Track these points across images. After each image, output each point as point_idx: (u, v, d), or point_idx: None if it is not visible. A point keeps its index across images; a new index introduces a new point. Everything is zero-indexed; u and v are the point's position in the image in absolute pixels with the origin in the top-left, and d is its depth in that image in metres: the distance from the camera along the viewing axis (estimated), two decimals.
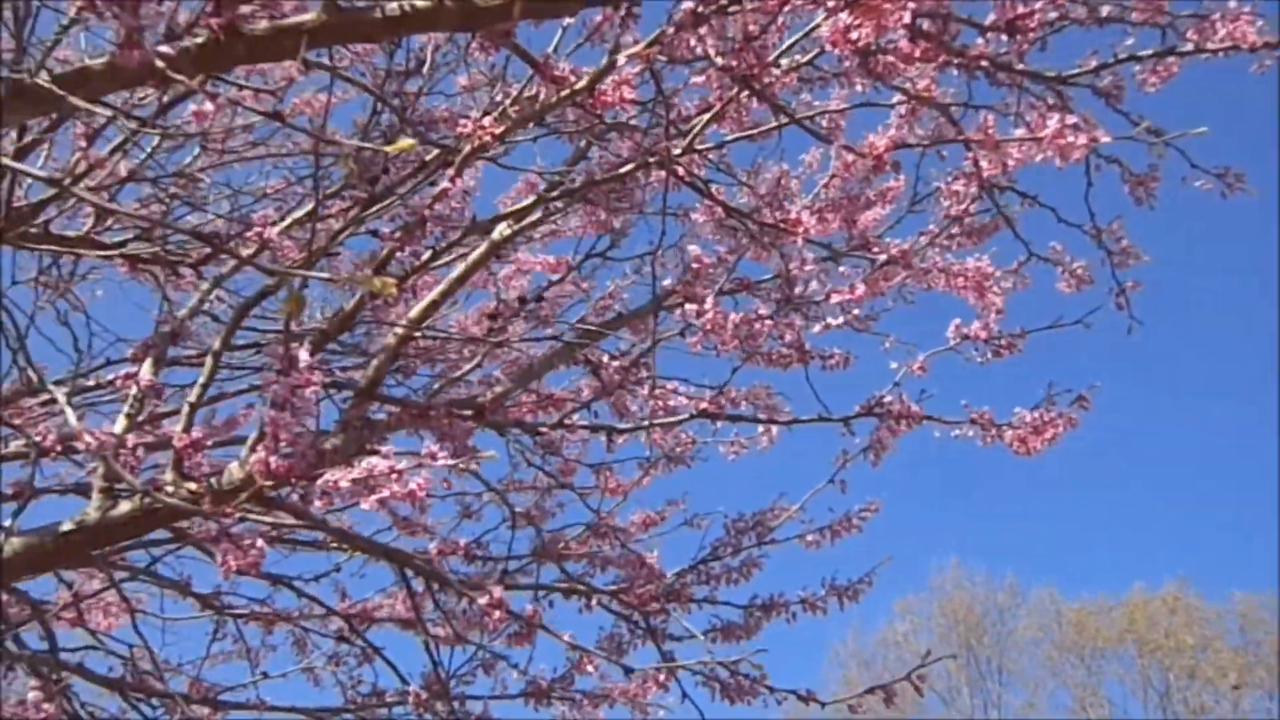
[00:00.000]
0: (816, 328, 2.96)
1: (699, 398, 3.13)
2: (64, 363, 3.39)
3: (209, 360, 2.56)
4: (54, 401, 3.00)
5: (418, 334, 3.30)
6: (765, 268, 3.25)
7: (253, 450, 2.34)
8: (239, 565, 1.90)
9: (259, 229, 2.07)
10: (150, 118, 2.94)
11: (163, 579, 3.13)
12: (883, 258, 2.95)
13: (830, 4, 1.86)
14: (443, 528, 3.63)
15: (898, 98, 2.43)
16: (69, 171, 2.79)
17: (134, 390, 2.47)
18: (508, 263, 3.71)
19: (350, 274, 3.14)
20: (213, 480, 2.27)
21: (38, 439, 2.29)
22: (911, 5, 1.83)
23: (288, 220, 3.08)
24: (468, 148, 2.23)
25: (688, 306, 2.62)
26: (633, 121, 2.70)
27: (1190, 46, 2.13)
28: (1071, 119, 1.90)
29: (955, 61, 2.04)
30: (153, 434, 2.96)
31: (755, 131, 2.52)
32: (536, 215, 3.24)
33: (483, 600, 2.18)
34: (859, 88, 2.29)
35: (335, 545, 3.32)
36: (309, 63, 2.09)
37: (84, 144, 2.82)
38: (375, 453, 1.91)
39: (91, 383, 3.47)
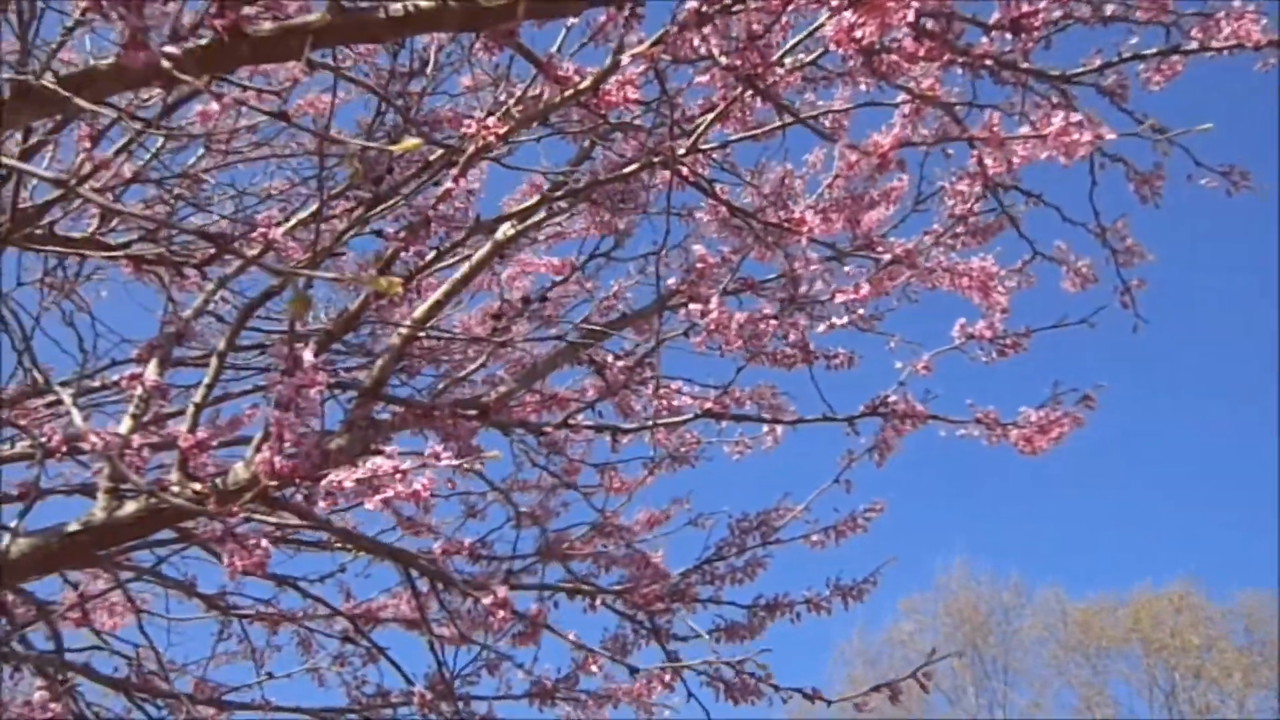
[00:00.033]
0: (821, 327, 2.96)
1: (703, 397, 3.13)
2: (69, 364, 3.40)
3: (214, 361, 2.56)
4: (59, 402, 3.00)
5: (422, 334, 3.30)
6: (769, 268, 3.25)
7: (258, 450, 2.34)
8: (244, 565, 1.90)
9: (263, 229, 2.07)
10: (155, 119, 2.95)
11: (168, 579, 3.14)
12: (887, 257, 2.95)
13: (834, 3, 1.86)
14: (447, 527, 3.64)
15: (902, 97, 2.43)
16: (74, 173, 2.80)
17: (139, 391, 2.47)
18: (511, 263, 3.71)
19: (355, 274, 3.15)
20: (218, 480, 2.28)
21: (43, 440, 2.30)
22: (915, 4, 1.83)
23: (292, 221, 3.09)
24: (472, 148, 2.23)
25: (692, 306, 2.62)
26: (637, 121, 2.70)
27: (1195, 45, 2.13)
28: (1076, 116, 1.89)
29: (959, 60, 2.04)
30: (158, 434, 2.97)
31: (759, 131, 2.52)
32: (540, 215, 3.24)
33: (487, 600, 2.18)
34: (863, 87, 2.29)
35: (340, 545, 3.32)
36: (313, 63, 2.09)
37: (89, 145, 2.83)
38: (380, 453, 1.91)
39: (97, 383, 3.48)
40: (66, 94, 1.75)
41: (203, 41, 1.82)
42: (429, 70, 3.24)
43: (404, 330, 3.03)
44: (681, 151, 2.41)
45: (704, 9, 2.01)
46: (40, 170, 2.59)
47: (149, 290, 3.51)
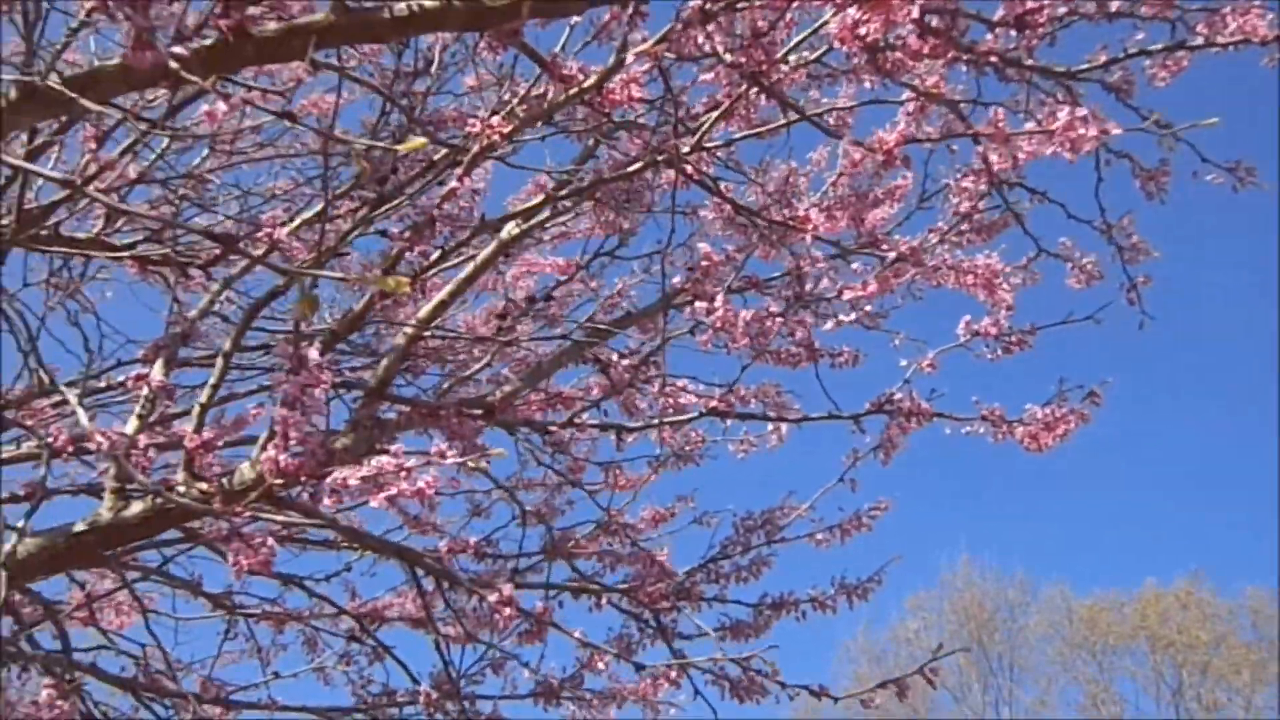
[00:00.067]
0: (828, 325, 2.96)
1: (708, 396, 3.13)
2: (75, 364, 3.41)
3: (220, 361, 2.57)
4: (65, 402, 3.01)
5: (427, 334, 3.31)
6: (773, 266, 3.25)
7: (263, 450, 2.34)
8: (250, 564, 1.90)
9: (269, 230, 2.08)
10: (160, 119, 2.95)
11: (174, 579, 3.15)
12: (892, 255, 2.95)
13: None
14: (452, 526, 3.65)
15: (906, 94, 2.43)
16: (80, 173, 2.80)
17: (145, 391, 2.48)
18: (516, 262, 3.71)
19: (362, 274, 3.15)
20: (224, 480, 2.28)
21: (49, 440, 2.30)
22: (920, 1, 1.83)
23: (297, 221, 3.09)
24: (476, 147, 2.23)
25: (698, 304, 2.62)
26: (641, 120, 2.70)
27: (1200, 40, 2.12)
28: (1082, 111, 1.89)
29: (964, 57, 2.04)
30: (164, 435, 2.97)
31: (764, 129, 2.52)
32: (545, 214, 3.24)
33: (493, 597, 2.18)
34: (867, 84, 2.29)
35: (346, 544, 3.33)
36: (317, 63, 2.09)
37: (94, 146, 2.83)
38: (385, 452, 1.91)
39: (103, 384, 3.49)
40: (72, 95, 1.75)
41: (207, 42, 1.83)
42: (433, 70, 3.24)
43: (409, 330, 3.03)
44: (686, 150, 2.41)
45: (708, 6, 2.01)
46: (47, 171, 2.60)
47: (154, 291, 3.52)
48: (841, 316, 2.95)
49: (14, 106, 1.82)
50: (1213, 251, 27.90)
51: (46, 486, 2.25)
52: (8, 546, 2.12)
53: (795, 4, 2.02)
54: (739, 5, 2.03)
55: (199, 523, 2.47)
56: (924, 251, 2.95)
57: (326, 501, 1.94)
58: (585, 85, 2.20)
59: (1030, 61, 2.10)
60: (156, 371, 2.57)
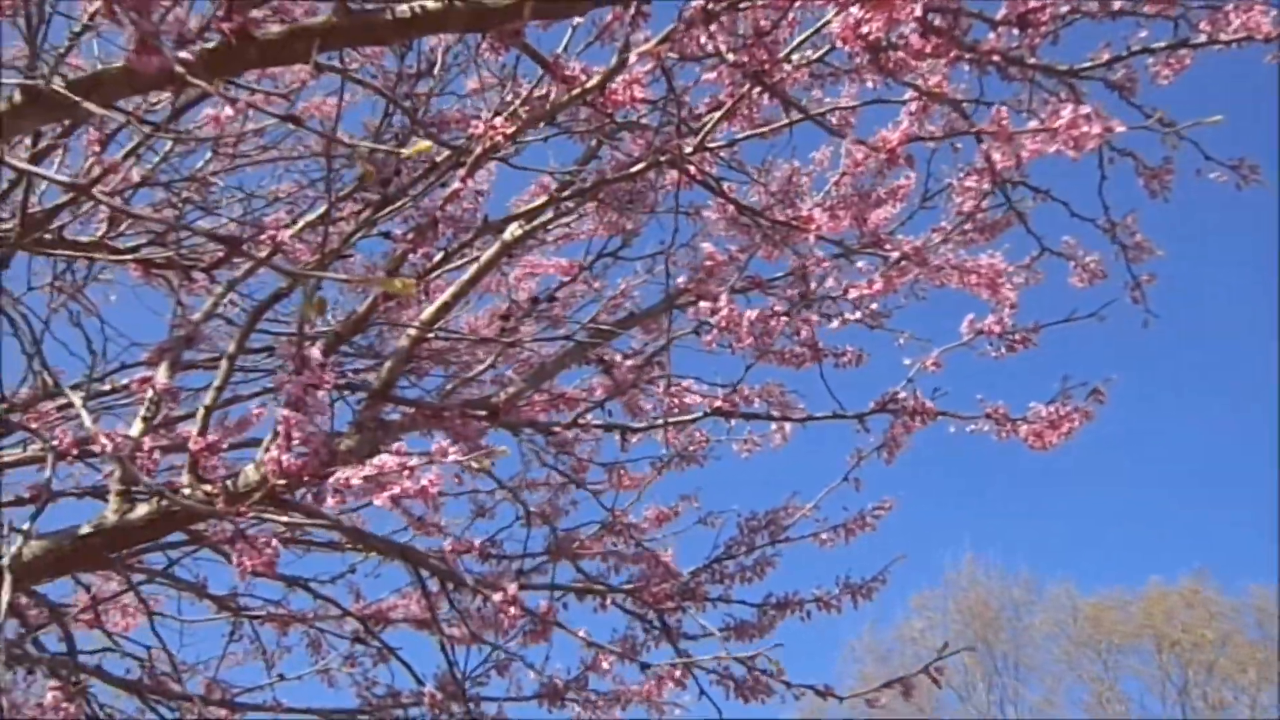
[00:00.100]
0: (834, 323, 2.96)
1: (712, 396, 3.13)
2: (79, 367, 3.42)
3: (224, 363, 2.57)
4: (70, 405, 3.02)
5: (430, 335, 3.31)
6: (777, 266, 3.25)
7: (267, 451, 2.35)
8: (254, 565, 1.91)
9: (272, 232, 2.08)
10: (163, 123, 2.96)
11: (179, 581, 3.15)
12: (895, 255, 2.94)
13: None
14: (456, 527, 3.65)
15: (909, 94, 2.43)
16: (84, 176, 2.81)
17: (150, 394, 2.48)
18: (519, 264, 3.72)
19: (367, 276, 3.15)
20: (228, 482, 2.28)
21: (54, 443, 2.30)
22: None
23: (300, 223, 3.09)
24: (479, 148, 2.23)
25: (702, 304, 2.62)
26: (644, 120, 2.70)
27: (1203, 38, 2.12)
28: (1085, 109, 1.89)
29: (966, 56, 2.04)
30: (169, 437, 2.98)
31: (766, 129, 2.51)
32: (548, 215, 3.24)
33: (497, 597, 2.18)
34: (870, 84, 2.29)
35: (350, 546, 3.33)
36: (320, 66, 2.09)
37: (98, 149, 2.84)
38: (388, 452, 1.91)
39: (107, 387, 3.50)
40: (75, 99, 1.75)
41: (210, 45, 1.83)
42: (436, 71, 3.24)
43: (412, 332, 3.04)
44: (689, 150, 2.41)
45: (710, 6, 2.01)
46: (51, 174, 2.60)
47: (158, 294, 3.52)
48: (846, 315, 2.95)
49: (18, 110, 1.82)
50: (1216, 249, 27.86)
51: (51, 489, 2.25)
52: (13, 549, 2.13)
53: (798, 3, 2.02)
54: (741, 5, 2.03)
55: (204, 525, 2.48)
56: (927, 251, 2.95)
57: (330, 501, 1.94)
58: (588, 86, 2.20)
59: (1033, 60, 2.10)
60: (161, 374, 2.57)
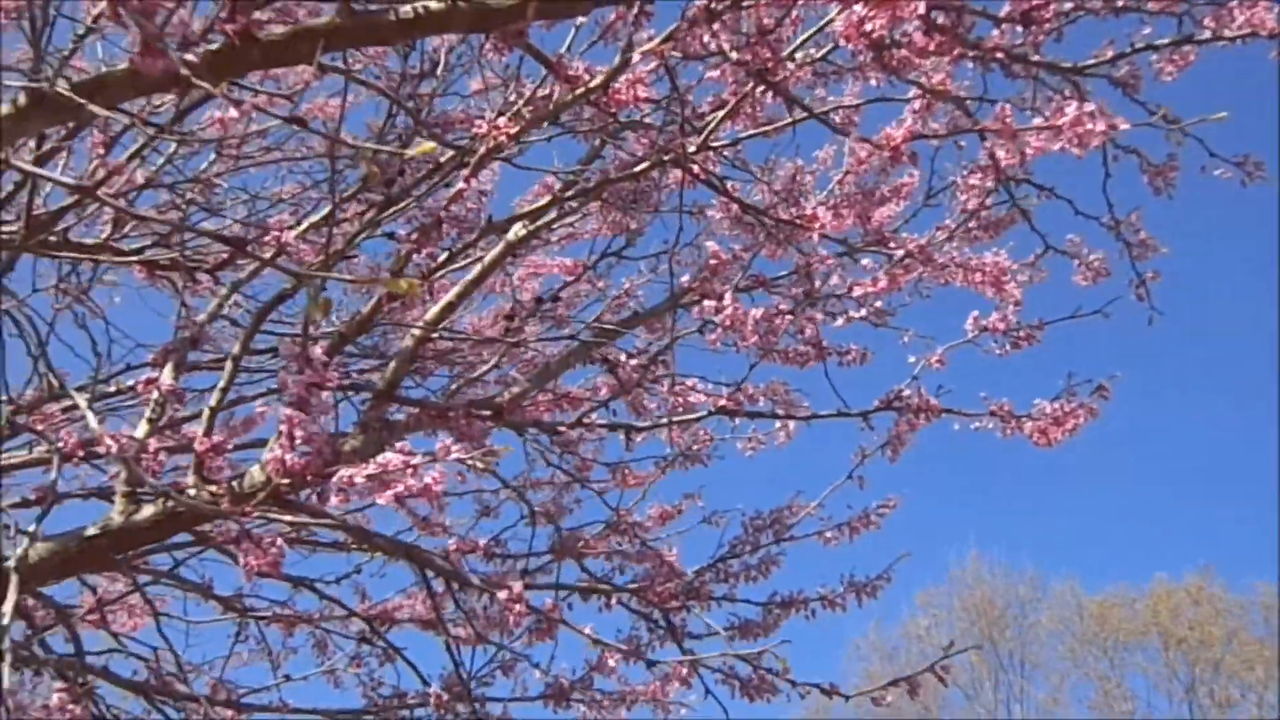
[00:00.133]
0: (838, 322, 2.96)
1: (716, 395, 3.13)
2: (84, 369, 3.42)
3: (229, 364, 2.57)
4: (75, 407, 3.02)
5: (435, 336, 3.31)
6: (781, 264, 3.25)
7: (271, 451, 2.35)
8: (259, 565, 1.91)
9: (276, 233, 2.08)
10: (168, 124, 2.96)
11: (185, 582, 3.15)
12: (900, 253, 2.94)
13: None
14: (461, 527, 3.65)
15: (913, 92, 2.42)
16: (88, 178, 2.81)
17: (155, 395, 2.48)
18: (523, 263, 3.72)
19: (373, 276, 3.16)
20: (234, 483, 2.29)
21: (60, 444, 2.31)
22: None
23: (305, 224, 3.10)
24: (483, 148, 2.23)
25: (706, 303, 2.62)
26: (647, 119, 2.70)
27: (1208, 34, 2.11)
28: (1090, 106, 1.88)
29: (970, 54, 2.03)
30: (174, 438, 2.98)
31: (770, 128, 2.52)
32: (552, 215, 3.24)
33: (502, 595, 2.18)
34: (873, 82, 2.29)
35: (355, 546, 3.33)
36: (324, 67, 2.10)
37: (102, 151, 2.84)
38: (392, 451, 1.91)
39: (112, 388, 3.50)
40: (80, 101, 1.76)
41: (214, 47, 1.83)
42: (439, 72, 3.24)
43: (417, 332, 3.04)
44: (692, 149, 2.41)
45: (713, 5, 2.01)
46: (56, 176, 2.61)
47: (162, 295, 3.53)
48: (850, 314, 2.95)
49: (23, 113, 1.83)
50: (1221, 246, 27.81)
51: (57, 491, 2.25)
52: (20, 551, 2.13)
53: (801, 2, 2.02)
54: (744, 3, 2.03)
55: (209, 526, 2.48)
56: (932, 249, 2.95)
57: (334, 500, 1.94)
58: (591, 85, 2.20)
59: (1037, 57, 2.10)
60: (166, 375, 2.57)
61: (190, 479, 2.22)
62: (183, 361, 2.72)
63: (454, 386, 3.41)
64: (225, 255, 3.15)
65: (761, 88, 2.25)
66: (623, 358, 3.34)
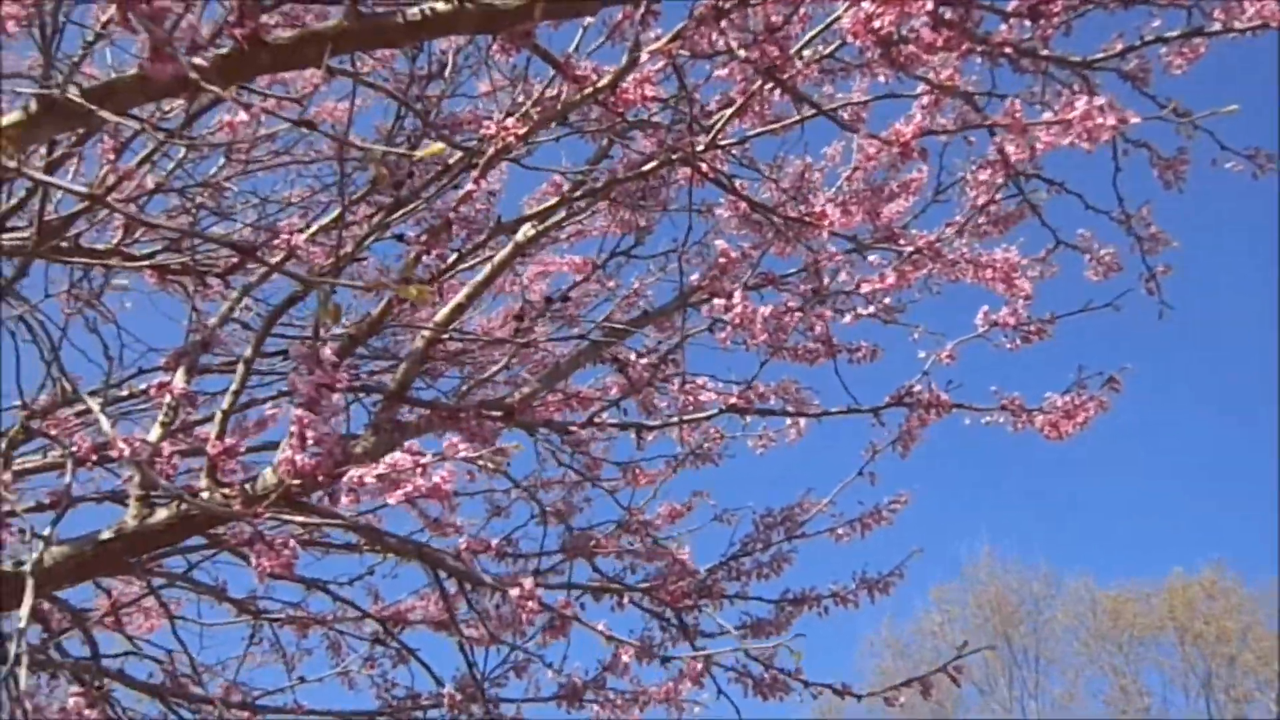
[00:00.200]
0: (848, 319, 2.95)
1: (727, 393, 3.13)
2: (97, 373, 3.44)
3: (241, 367, 2.58)
4: (89, 411, 3.03)
5: (445, 337, 3.32)
6: (790, 262, 3.25)
7: (282, 453, 2.36)
8: (273, 566, 1.92)
9: (286, 236, 2.09)
10: (177, 129, 2.97)
11: (199, 584, 3.17)
12: (909, 249, 2.94)
13: None
14: (472, 528, 3.66)
15: (921, 88, 2.42)
16: (99, 184, 2.83)
17: (168, 399, 2.49)
18: (532, 263, 3.72)
19: (383, 279, 3.16)
20: (247, 485, 2.29)
21: (74, 448, 2.32)
22: None
23: (314, 227, 3.10)
24: (491, 149, 2.23)
25: (715, 302, 2.62)
26: (655, 118, 2.70)
27: (1217, 27, 2.10)
28: (1100, 100, 1.88)
29: (978, 49, 2.03)
30: (187, 441, 2.99)
31: (778, 125, 2.51)
32: (560, 215, 3.24)
33: (514, 593, 2.18)
34: (881, 78, 2.28)
35: (368, 548, 3.34)
36: (332, 70, 2.10)
37: (112, 157, 2.85)
38: (402, 451, 1.91)
39: (124, 392, 3.52)
40: (90, 107, 1.76)
41: (222, 51, 1.84)
42: (447, 73, 3.25)
43: (427, 333, 3.04)
44: (700, 148, 2.41)
45: (721, 3, 2.00)
46: (67, 183, 2.62)
47: (173, 299, 3.55)
48: (859, 311, 2.94)
49: (34, 119, 1.83)
50: (1233, 239, 27.67)
51: (71, 495, 2.27)
52: (35, 555, 2.14)
53: None
54: (752, 1, 2.03)
55: (223, 528, 2.49)
56: (941, 245, 2.94)
57: (345, 501, 1.95)
58: (599, 85, 2.20)
59: (1045, 52, 2.09)
60: (178, 379, 2.58)
61: (203, 482, 2.23)
62: (194, 365, 2.73)
63: (464, 387, 3.42)
64: (235, 259, 3.16)
65: (769, 85, 2.24)
66: (633, 357, 3.34)
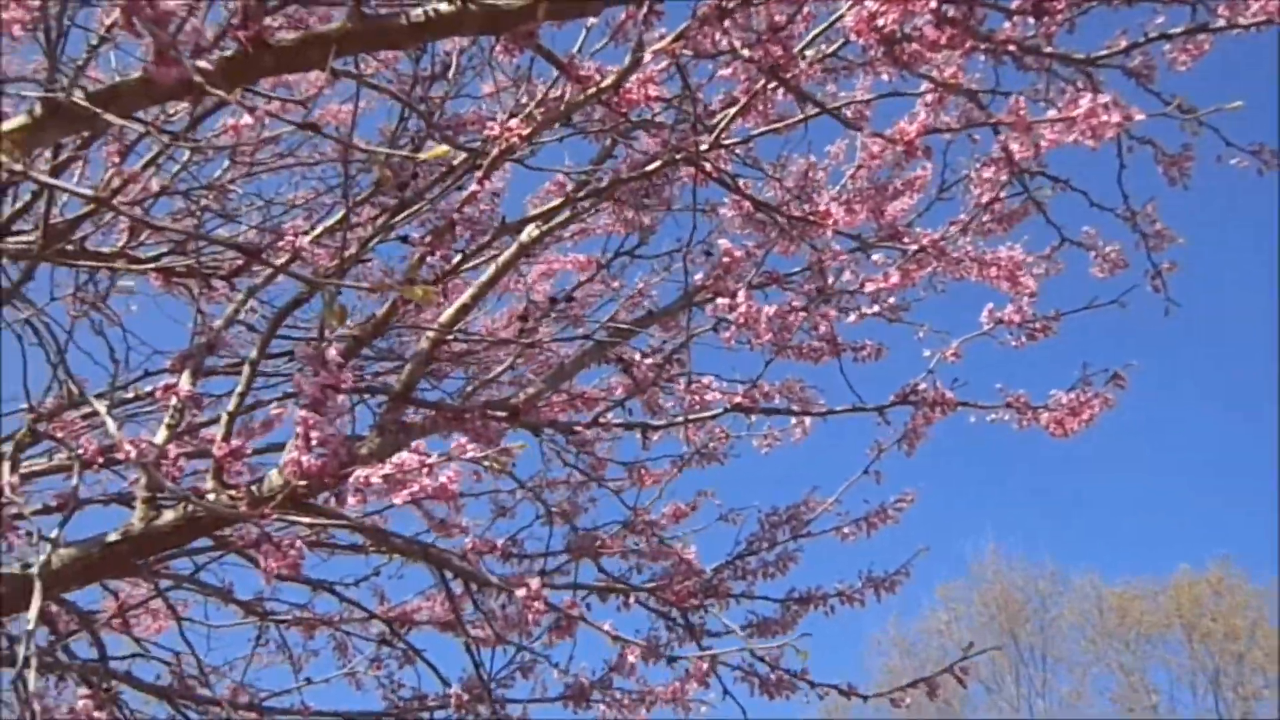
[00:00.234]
0: (852, 317, 2.95)
1: (732, 393, 3.13)
2: (103, 376, 3.44)
3: (246, 369, 2.58)
4: (95, 414, 3.04)
5: (450, 338, 3.32)
6: (794, 261, 3.25)
7: (288, 454, 2.36)
8: (279, 568, 1.92)
9: (291, 238, 2.09)
10: (182, 132, 2.98)
11: (206, 586, 3.17)
12: (914, 247, 2.93)
13: None
14: (477, 528, 3.66)
15: (925, 86, 2.42)
16: (104, 187, 2.83)
17: (174, 401, 2.50)
18: (536, 263, 3.72)
19: (388, 280, 3.17)
20: (253, 487, 2.30)
21: (80, 451, 2.33)
22: None
23: (319, 229, 3.11)
24: (495, 150, 2.23)
25: (720, 301, 2.62)
26: (659, 118, 2.70)
27: (1221, 22, 2.10)
28: (1104, 97, 1.87)
29: (982, 47, 2.02)
30: (193, 443, 3.00)
31: (781, 124, 2.51)
32: (565, 215, 3.25)
33: (521, 593, 2.19)
34: (885, 77, 2.28)
35: (374, 549, 3.34)
36: (336, 71, 2.10)
37: (117, 160, 2.86)
38: (408, 451, 1.92)
39: (130, 395, 3.52)
40: (95, 110, 1.77)
41: (227, 54, 1.84)
42: (451, 75, 3.25)
43: (432, 334, 3.05)
44: (704, 147, 2.41)
45: (724, 3, 2.00)
46: (72, 186, 2.63)
47: (179, 302, 3.55)
48: (864, 309, 2.94)
49: (39, 123, 1.84)
50: (1238, 235, 27.61)
51: (78, 497, 2.27)
52: (43, 558, 2.15)
53: None
54: (755, 1, 2.03)
55: (229, 530, 2.49)
56: (946, 243, 2.94)
57: (350, 501, 1.95)
58: (602, 85, 2.20)
59: (1049, 49, 2.09)
60: (184, 381, 2.58)
61: (209, 483, 2.23)
62: (200, 367, 2.73)
63: (469, 388, 3.43)
64: (240, 261, 3.16)
65: (773, 84, 2.24)
66: (637, 357, 3.34)
